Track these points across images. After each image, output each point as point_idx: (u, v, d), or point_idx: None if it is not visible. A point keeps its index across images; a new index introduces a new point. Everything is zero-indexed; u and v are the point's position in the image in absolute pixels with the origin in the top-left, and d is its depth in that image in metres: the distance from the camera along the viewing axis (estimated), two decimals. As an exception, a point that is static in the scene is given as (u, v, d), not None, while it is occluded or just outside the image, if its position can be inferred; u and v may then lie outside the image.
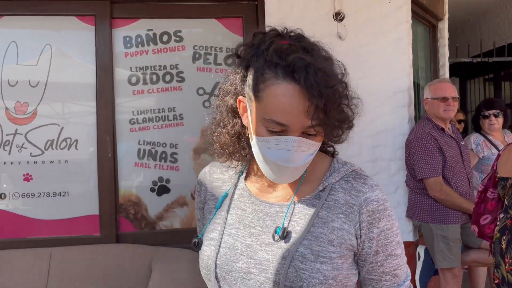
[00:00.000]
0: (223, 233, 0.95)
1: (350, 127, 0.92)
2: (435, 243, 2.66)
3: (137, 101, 2.70)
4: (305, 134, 0.84)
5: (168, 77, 2.71)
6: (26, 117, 2.57)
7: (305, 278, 0.84)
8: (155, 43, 2.71)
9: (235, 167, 1.02)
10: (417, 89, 3.35)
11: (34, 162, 2.57)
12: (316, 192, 0.91)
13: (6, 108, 2.55)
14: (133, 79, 2.68)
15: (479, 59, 4.59)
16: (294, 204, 0.91)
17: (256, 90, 0.84)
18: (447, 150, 2.67)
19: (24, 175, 2.56)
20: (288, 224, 0.89)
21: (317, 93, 0.79)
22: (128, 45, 2.68)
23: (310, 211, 0.89)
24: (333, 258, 0.87)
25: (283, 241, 0.88)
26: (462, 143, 2.84)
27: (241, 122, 0.94)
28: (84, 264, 2.39)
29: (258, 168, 0.93)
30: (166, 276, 2.12)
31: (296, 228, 0.88)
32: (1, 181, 2.55)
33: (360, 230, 0.88)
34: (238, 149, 0.96)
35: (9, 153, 2.55)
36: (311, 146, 0.86)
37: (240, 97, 0.91)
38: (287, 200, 0.93)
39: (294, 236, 0.88)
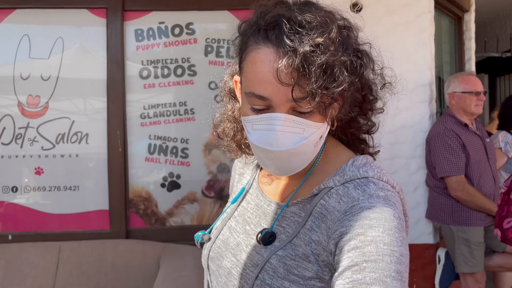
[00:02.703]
0: (225, 224, 0.87)
1: (371, 103, 0.74)
2: (456, 246, 2.52)
3: (148, 95, 2.66)
4: (297, 112, 0.68)
5: (179, 71, 2.66)
6: (38, 111, 2.57)
7: None
8: (167, 36, 2.66)
9: (252, 162, 0.91)
10: (440, 83, 3.20)
11: (46, 156, 2.56)
12: (310, 195, 0.75)
13: (19, 102, 2.56)
14: (144, 73, 2.64)
15: (508, 54, 4.38)
16: (288, 207, 0.77)
17: (240, 61, 0.73)
18: (471, 148, 2.52)
19: (35, 168, 2.56)
20: (277, 229, 0.76)
21: (291, 50, 0.63)
22: (140, 38, 2.64)
23: (300, 217, 0.74)
24: (307, 278, 0.69)
25: (263, 246, 0.75)
26: (487, 140, 2.68)
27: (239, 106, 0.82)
28: (93, 258, 2.37)
29: None
30: (172, 273, 2.07)
31: (281, 236, 0.74)
32: (13, 174, 2.56)
33: (338, 239, 0.66)
34: (239, 138, 0.85)
35: (21, 147, 2.55)
36: (306, 127, 0.69)
37: (236, 77, 0.80)
38: (284, 200, 0.79)
39: (275, 244, 0.74)
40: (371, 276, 0.60)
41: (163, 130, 2.65)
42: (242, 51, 0.72)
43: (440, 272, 2.69)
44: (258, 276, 0.72)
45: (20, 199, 2.56)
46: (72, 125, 2.58)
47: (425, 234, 2.73)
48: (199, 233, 0.89)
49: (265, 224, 0.80)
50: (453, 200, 2.52)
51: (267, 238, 0.74)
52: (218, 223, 0.89)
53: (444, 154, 2.49)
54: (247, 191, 0.89)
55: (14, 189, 2.56)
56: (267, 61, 0.67)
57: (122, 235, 2.54)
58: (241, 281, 0.76)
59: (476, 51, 3.61)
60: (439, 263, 2.72)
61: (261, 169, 0.90)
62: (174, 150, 2.65)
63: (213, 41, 2.68)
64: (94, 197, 2.58)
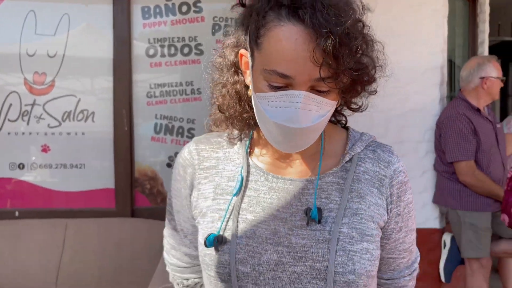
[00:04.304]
0: (237, 220, 0.79)
1: (370, 83, 0.77)
2: (463, 231, 2.50)
3: (154, 74, 2.63)
4: (315, 90, 0.71)
5: (186, 50, 2.62)
6: (44, 88, 2.55)
7: (356, 261, 0.75)
8: (174, 14, 2.61)
9: (234, 138, 0.87)
10: (452, 67, 3.14)
11: (52, 133, 2.56)
12: (342, 164, 0.81)
13: (25, 79, 2.54)
14: (151, 51, 2.60)
15: (523, 38, 4.27)
16: (320, 179, 0.80)
17: (256, 36, 0.72)
18: (482, 133, 2.48)
19: (42, 146, 2.56)
20: (319, 201, 0.79)
21: (326, 33, 0.65)
22: (147, 15, 2.60)
23: (341, 185, 0.80)
24: (375, 236, 0.79)
25: (317, 222, 0.77)
26: (498, 125, 2.64)
27: (243, 80, 0.81)
28: (98, 237, 2.38)
29: (266, 139, 0.80)
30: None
31: (329, 206, 0.78)
32: (20, 151, 2.56)
33: (390, 204, 0.82)
34: (239, 111, 0.83)
35: (28, 124, 2.55)
36: (323, 105, 0.71)
37: (242, 51, 0.79)
38: (311, 175, 0.81)
39: (329, 214, 0.77)
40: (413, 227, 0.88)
41: (169, 109, 2.63)
42: (260, 26, 0.71)
43: (445, 257, 2.69)
44: (337, 247, 0.75)
45: (27, 176, 2.57)
46: (78, 103, 2.56)
47: (431, 219, 2.72)
48: (210, 236, 0.79)
49: (297, 203, 0.79)
50: (461, 185, 2.50)
51: (320, 214, 0.77)
52: (225, 223, 0.81)
53: (455, 139, 2.45)
54: (247, 180, 0.83)
55: (21, 166, 2.56)
56: (292, 39, 0.68)
57: (127, 214, 2.55)
58: (306, 263, 0.76)
59: (490, 35, 3.52)
60: (444, 248, 2.71)
61: (250, 154, 0.86)
62: (180, 130, 2.64)
63: (221, 19, 2.63)
64: (100, 175, 2.58)
